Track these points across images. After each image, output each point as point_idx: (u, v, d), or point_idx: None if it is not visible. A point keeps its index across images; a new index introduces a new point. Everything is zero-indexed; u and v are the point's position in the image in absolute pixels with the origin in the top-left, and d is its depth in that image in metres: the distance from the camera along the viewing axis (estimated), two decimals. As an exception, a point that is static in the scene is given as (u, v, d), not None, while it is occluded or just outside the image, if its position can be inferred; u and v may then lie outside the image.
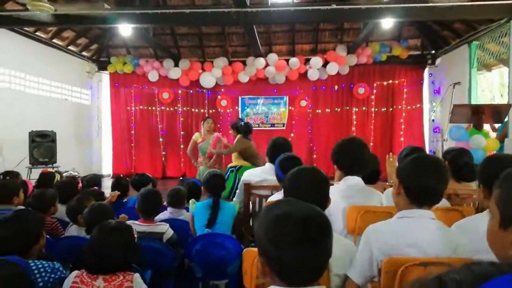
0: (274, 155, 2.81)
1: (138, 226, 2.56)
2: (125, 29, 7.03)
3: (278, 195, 2.40)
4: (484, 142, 4.78)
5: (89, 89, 9.04)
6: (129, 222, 2.61)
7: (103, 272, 1.65)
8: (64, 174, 5.94)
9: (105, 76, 9.40)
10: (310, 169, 1.76)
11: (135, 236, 1.85)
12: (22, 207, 2.81)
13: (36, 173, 5.35)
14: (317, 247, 0.96)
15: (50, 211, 2.87)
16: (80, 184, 4.04)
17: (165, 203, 3.20)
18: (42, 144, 6.31)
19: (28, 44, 6.95)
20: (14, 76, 6.65)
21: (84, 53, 8.75)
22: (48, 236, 2.48)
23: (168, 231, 2.63)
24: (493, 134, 5.46)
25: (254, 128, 8.93)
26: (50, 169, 5.68)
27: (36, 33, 7.12)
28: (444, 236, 1.45)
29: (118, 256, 1.68)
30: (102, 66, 9.17)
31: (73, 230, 2.68)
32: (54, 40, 7.65)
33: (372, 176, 2.75)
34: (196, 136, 6.28)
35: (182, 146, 9.17)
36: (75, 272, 1.68)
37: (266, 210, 1.05)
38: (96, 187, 3.87)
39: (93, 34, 8.60)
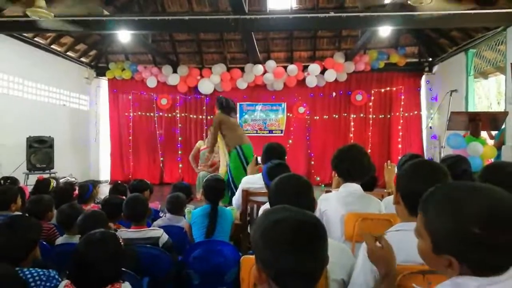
0: (268, 160, 2.82)
1: (130, 233, 2.55)
2: (124, 35, 7.05)
3: (270, 203, 2.40)
4: (482, 150, 4.79)
5: (87, 95, 9.04)
6: (121, 230, 2.60)
7: (91, 286, 1.56)
8: (61, 180, 5.92)
9: (104, 82, 9.40)
10: (291, 176, 1.75)
11: (122, 243, 1.73)
12: (19, 213, 2.80)
13: (33, 179, 5.33)
14: (312, 250, 0.97)
15: (47, 216, 2.86)
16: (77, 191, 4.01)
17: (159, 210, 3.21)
18: (40, 150, 6.29)
19: (27, 50, 6.95)
20: (12, 82, 6.64)
21: (82, 59, 8.76)
22: (44, 242, 2.47)
23: (163, 236, 2.62)
24: (490, 142, 5.48)
25: (252, 135, 9.02)
26: (46, 175, 5.66)
27: (35, 39, 7.13)
28: None
29: (105, 268, 1.58)
30: (101, 72, 9.18)
31: (63, 239, 2.60)
32: (52, 46, 7.66)
33: (370, 183, 2.76)
34: (199, 143, 6.36)
35: (180, 152, 9.17)
36: (64, 282, 1.62)
37: (262, 216, 1.07)
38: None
39: (92, 40, 8.62)
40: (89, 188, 3.71)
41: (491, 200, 0.88)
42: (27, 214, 2.67)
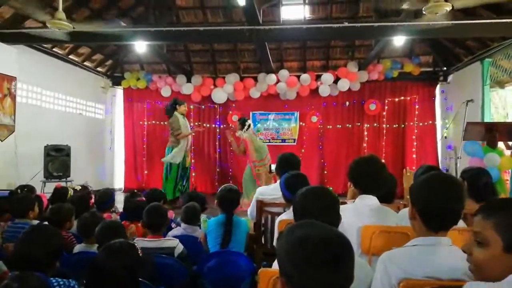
0: (283, 171, 2.82)
1: (147, 242, 2.57)
2: (140, 46, 7.17)
3: (288, 214, 2.39)
4: (499, 161, 4.71)
5: (103, 104, 9.20)
6: (138, 239, 2.63)
7: None
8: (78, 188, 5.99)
9: (119, 91, 9.55)
10: (319, 189, 1.73)
11: (140, 254, 1.75)
12: (38, 221, 2.86)
13: (50, 187, 5.42)
14: (337, 268, 0.95)
15: (66, 225, 2.90)
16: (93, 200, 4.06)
17: (178, 219, 3.23)
18: (57, 158, 6.40)
19: (45, 60, 7.13)
20: (31, 91, 6.80)
21: (99, 69, 8.94)
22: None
23: (178, 246, 2.64)
24: (507, 152, 5.37)
25: (265, 144, 9.01)
26: (63, 184, 5.75)
27: (53, 49, 7.31)
28: (463, 263, 1.37)
29: (123, 277, 1.59)
30: (116, 82, 9.33)
31: (81, 248, 2.63)
32: (70, 56, 7.83)
33: (388, 196, 2.72)
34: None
35: (193, 161, 9.21)
36: None
37: (288, 231, 1.05)
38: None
39: (108, 51, 8.79)
40: (112, 195, 3.74)
41: None
42: (46, 222, 2.72)
